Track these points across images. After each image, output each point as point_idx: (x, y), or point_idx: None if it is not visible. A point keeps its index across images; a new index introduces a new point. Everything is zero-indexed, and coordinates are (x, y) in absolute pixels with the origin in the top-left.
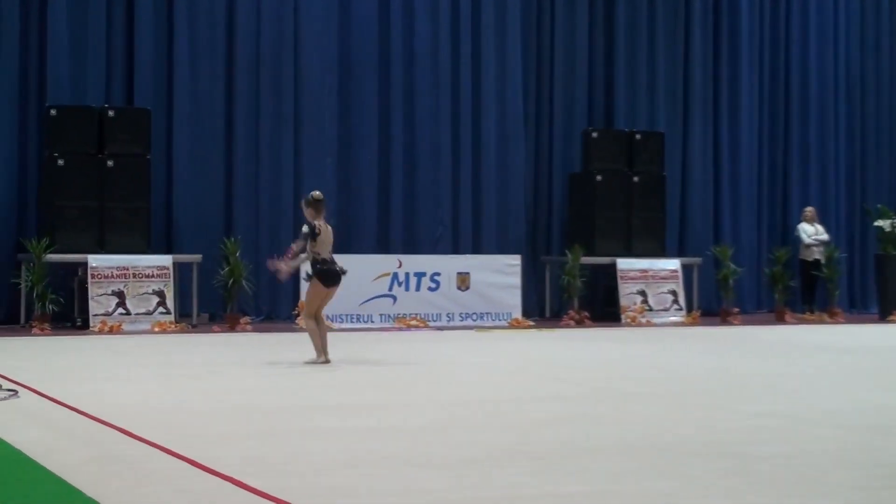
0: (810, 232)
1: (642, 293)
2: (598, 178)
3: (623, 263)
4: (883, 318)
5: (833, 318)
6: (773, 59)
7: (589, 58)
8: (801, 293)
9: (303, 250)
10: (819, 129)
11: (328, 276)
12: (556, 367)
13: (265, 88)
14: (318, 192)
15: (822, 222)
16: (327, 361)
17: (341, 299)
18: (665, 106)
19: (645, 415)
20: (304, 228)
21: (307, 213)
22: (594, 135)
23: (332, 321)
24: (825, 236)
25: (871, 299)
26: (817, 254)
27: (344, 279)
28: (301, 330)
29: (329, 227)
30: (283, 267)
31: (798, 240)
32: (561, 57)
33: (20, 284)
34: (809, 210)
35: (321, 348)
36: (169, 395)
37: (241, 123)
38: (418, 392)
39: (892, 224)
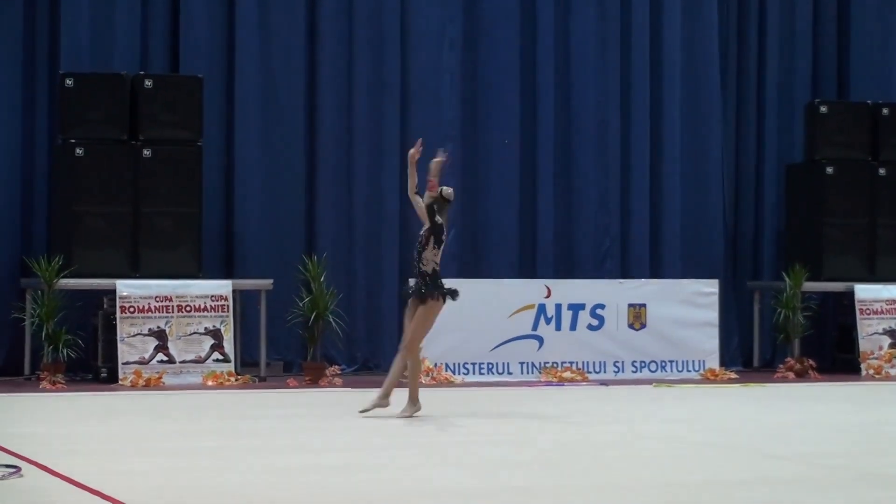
0: None
1: (892, 333)
2: (829, 170)
3: (864, 291)
4: None
5: None
6: None
7: (814, 1)
8: None
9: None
10: None
11: (452, 291)
12: (774, 439)
13: (361, 48)
14: (450, 190)
15: None
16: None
17: (464, 342)
18: None
19: None
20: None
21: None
22: (823, 109)
23: (452, 372)
24: None
25: None
26: None
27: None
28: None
29: None
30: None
31: None
32: (775, 3)
33: (24, 321)
34: None
35: (416, 392)
36: (234, 477)
37: (328, 98)
38: (583, 473)
39: None
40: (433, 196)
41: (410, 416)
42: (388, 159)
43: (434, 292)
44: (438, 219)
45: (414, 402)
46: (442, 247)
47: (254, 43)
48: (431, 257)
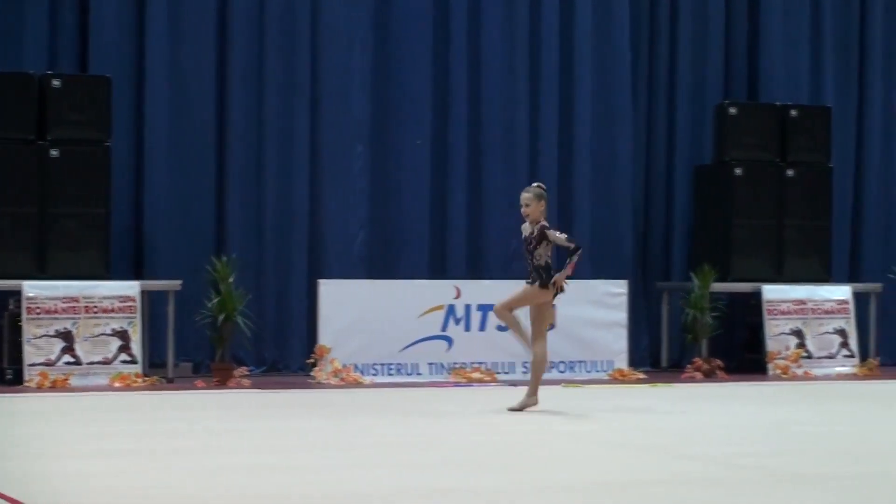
0: None
1: (798, 333)
2: (738, 171)
3: (771, 292)
4: None
5: None
6: None
7: (726, 3)
8: None
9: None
10: None
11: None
12: (684, 439)
13: (271, 49)
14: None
15: None
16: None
17: (373, 343)
18: (833, 70)
19: None
20: (560, 236)
21: (535, 209)
22: (732, 111)
23: (361, 373)
24: None
25: None
26: None
27: (385, 315)
28: (319, 386)
29: None
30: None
31: None
32: (687, 4)
33: None
34: None
35: (528, 337)
36: (152, 479)
37: (238, 99)
38: (500, 474)
39: None
40: (542, 207)
41: (522, 409)
42: (298, 160)
43: (547, 284)
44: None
45: (532, 394)
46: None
47: (163, 43)
48: (543, 252)
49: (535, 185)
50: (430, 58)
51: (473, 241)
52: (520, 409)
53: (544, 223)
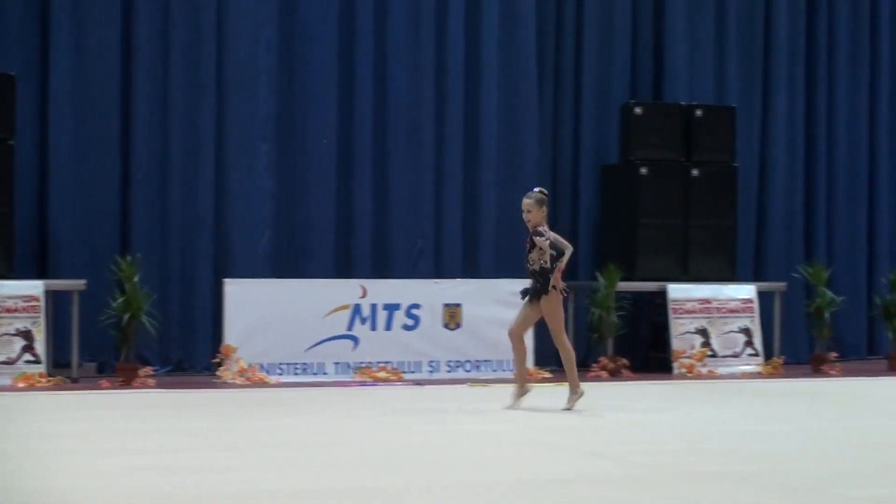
0: None
1: (703, 332)
2: (643, 171)
3: (676, 291)
4: None
5: None
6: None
7: (632, 4)
8: None
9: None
10: None
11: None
12: (588, 437)
13: (177, 48)
14: (543, 189)
15: None
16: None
17: (279, 343)
18: (738, 70)
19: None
20: (545, 243)
21: (536, 214)
22: (637, 111)
23: (267, 372)
24: None
25: None
26: None
27: (291, 314)
28: (224, 385)
29: None
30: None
31: None
32: (593, 3)
33: None
34: None
35: (575, 380)
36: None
37: (143, 97)
38: (406, 473)
39: None
40: (543, 213)
41: (572, 407)
42: (204, 159)
43: (548, 288)
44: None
45: (575, 390)
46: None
47: (68, 41)
48: (538, 257)
49: (536, 190)
50: (336, 57)
51: (379, 241)
52: (570, 407)
53: (540, 228)
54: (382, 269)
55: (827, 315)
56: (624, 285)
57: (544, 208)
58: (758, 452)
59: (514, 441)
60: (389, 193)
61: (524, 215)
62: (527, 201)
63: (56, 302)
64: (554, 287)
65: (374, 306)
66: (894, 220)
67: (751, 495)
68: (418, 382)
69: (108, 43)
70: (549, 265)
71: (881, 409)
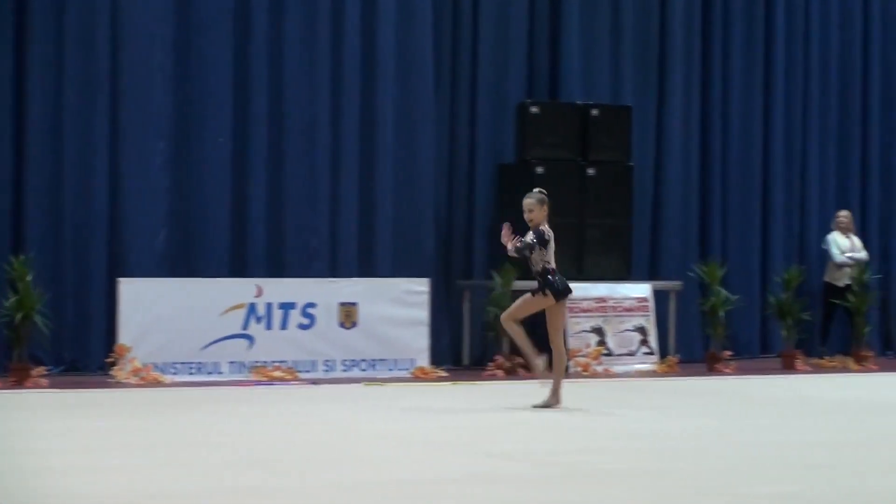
0: (844, 246)
1: (598, 331)
2: (539, 170)
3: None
4: None
5: (861, 363)
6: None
7: (529, 3)
8: (821, 329)
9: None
10: (842, 101)
11: (565, 291)
12: (485, 436)
13: (71, 47)
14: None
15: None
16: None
17: (174, 342)
18: (633, 69)
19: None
20: (530, 237)
21: (538, 214)
22: (534, 110)
23: (161, 372)
24: (863, 254)
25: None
26: (848, 278)
27: (186, 313)
28: (118, 385)
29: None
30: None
31: (826, 255)
32: (489, 2)
33: None
34: (844, 216)
35: (531, 351)
36: None
37: (37, 96)
38: (298, 474)
39: None
40: (542, 212)
41: (542, 406)
42: (99, 158)
43: (544, 289)
44: (546, 232)
45: (554, 394)
46: (548, 246)
47: None
48: (539, 258)
49: (535, 190)
50: (231, 55)
51: (274, 240)
52: (541, 405)
53: (542, 227)
54: (278, 268)
55: (721, 314)
56: (520, 284)
57: (545, 207)
58: (658, 451)
59: (407, 440)
60: (285, 192)
61: (525, 215)
62: (528, 201)
63: None
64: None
65: (269, 305)
66: (788, 219)
67: (655, 495)
68: (314, 382)
69: (1, 39)
70: (550, 266)
71: (775, 407)
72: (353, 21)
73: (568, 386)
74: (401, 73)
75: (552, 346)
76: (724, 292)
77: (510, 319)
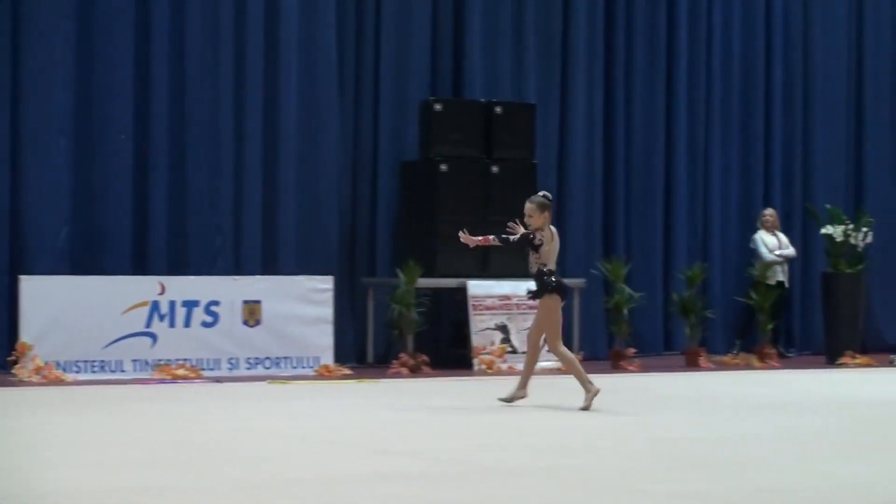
0: (772, 245)
1: (503, 328)
2: (443, 168)
3: (476, 287)
4: (831, 360)
5: (764, 361)
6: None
7: (432, 1)
8: (742, 326)
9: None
10: (744, 100)
11: (564, 290)
12: (387, 434)
13: None
14: (548, 193)
15: (748, 229)
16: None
17: (76, 340)
18: (537, 68)
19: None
20: (518, 228)
21: (537, 220)
22: (437, 107)
23: (63, 370)
24: (790, 250)
25: (816, 334)
26: (781, 274)
27: (88, 311)
28: (20, 384)
29: (556, 233)
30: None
31: (755, 254)
32: (392, 1)
33: None
34: (770, 214)
35: (587, 378)
36: None
37: None
38: (197, 472)
39: (845, 231)
40: (544, 217)
41: (590, 406)
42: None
43: (542, 291)
44: (537, 236)
45: (588, 388)
46: (541, 249)
47: None
48: (534, 260)
49: (539, 194)
50: (133, 52)
51: (177, 237)
52: (587, 406)
53: (540, 232)
54: (181, 265)
55: (625, 311)
56: (424, 282)
57: (546, 213)
58: (560, 448)
59: (311, 439)
60: (188, 190)
61: (525, 219)
62: (529, 206)
63: None
64: (553, 290)
65: (172, 303)
66: (691, 217)
67: (556, 492)
68: (217, 380)
69: None
70: (546, 268)
71: (679, 405)
72: (255, 18)
73: (472, 383)
74: (304, 71)
75: (552, 352)
76: (627, 290)
77: (556, 348)
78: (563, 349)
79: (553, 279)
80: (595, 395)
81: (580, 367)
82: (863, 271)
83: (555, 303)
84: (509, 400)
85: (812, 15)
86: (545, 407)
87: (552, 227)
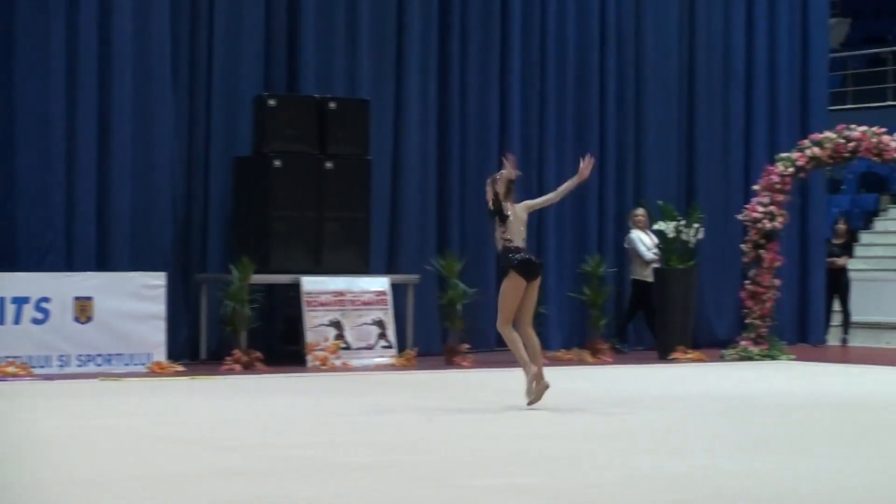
0: (649, 244)
1: (337, 325)
2: (277, 163)
3: (310, 283)
4: (663, 355)
5: (596, 356)
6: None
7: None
8: (620, 325)
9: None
10: (578, 92)
11: (527, 266)
12: (222, 431)
13: None
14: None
15: (582, 224)
16: (540, 381)
17: None
18: (371, 63)
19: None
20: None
21: (489, 192)
22: (271, 102)
23: None
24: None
25: (647, 330)
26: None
27: None
28: None
29: (523, 212)
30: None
31: (631, 253)
32: None
33: None
34: (642, 213)
35: (528, 360)
36: None
37: None
38: (35, 471)
39: (676, 228)
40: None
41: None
42: None
43: (505, 268)
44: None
45: (528, 367)
46: (507, 222)
47: None
48: (499, 236)
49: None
50: None
51: (6, 233)
52: (537, 399)
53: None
54: (11, 261)
55: (459, 307)
56: (258, 278)
57: (500, 185)
58: (394, 444)
59: (145, 436)
60: (17, 184)
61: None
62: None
63: None
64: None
65: (2, 299)
66: None
67: (385, 487)
68: (48, 377)
69: None
70: (512, 244)
71: (512, 400)
72: (89, 12)
73: (307, 380)
74: (138, 65)
75: (499, 328)
76: (461, 286)
77: (502, 327)
78: (508, 330)
79: (514, 255)
80: (535, 378)
81: (523, 353)
82: (694, 267)
83: (512, 281)
84: (536, 398)
85: (644, 11)
86: (378, 405)
87: (515, 206)
